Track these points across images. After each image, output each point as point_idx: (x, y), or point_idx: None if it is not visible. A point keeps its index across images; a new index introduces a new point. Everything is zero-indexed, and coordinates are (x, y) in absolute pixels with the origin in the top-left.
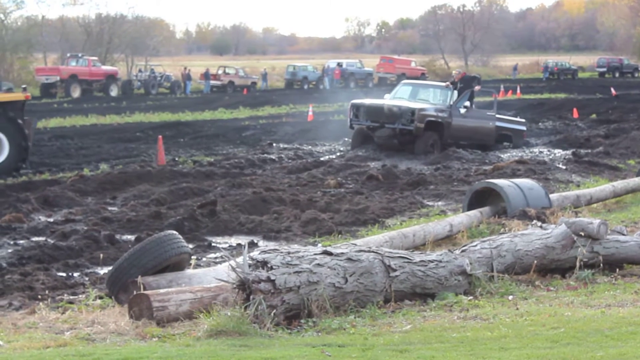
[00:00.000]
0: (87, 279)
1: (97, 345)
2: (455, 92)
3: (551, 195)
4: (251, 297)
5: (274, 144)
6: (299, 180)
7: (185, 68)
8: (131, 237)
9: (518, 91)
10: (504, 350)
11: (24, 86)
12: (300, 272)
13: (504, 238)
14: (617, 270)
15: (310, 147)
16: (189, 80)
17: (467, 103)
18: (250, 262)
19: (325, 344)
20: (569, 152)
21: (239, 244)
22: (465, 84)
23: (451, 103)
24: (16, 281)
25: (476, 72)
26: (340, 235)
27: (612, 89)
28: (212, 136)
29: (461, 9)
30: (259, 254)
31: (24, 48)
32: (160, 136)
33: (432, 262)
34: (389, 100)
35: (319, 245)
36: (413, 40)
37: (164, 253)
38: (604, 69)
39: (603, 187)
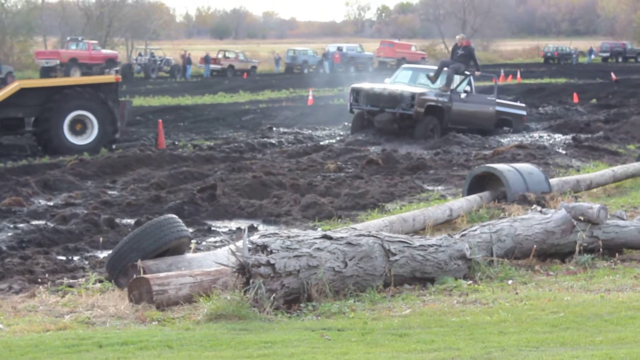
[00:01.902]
0: (87, 262)
1: (97, 328)
2: (456, 77)
3: (551, 180)
4: (251, 281)
5: (274, 128)
6: (299, 165)
7: (185, 52)
8: (131, 221)
9: (518, 76)
10: (503, 335)
11: (116, 68)
12: (300, 256)
13: (503, 222)
14: (617, 255)
15: (310, 131)
16: (189, 64)
17: (468, 88)
18: (250, 246)
19: (324, 328)
20: (569, 136)
21: (238, 228)
22: (466, 53)
23: (452, 87)
24: (16, 265)
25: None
26: (340, 220)
27: (612, 74)
28: (212, 120)
29: None
30: (259, 238)
31: (24, 31)
32: (160, 120)
33: (432, 246)
34: (389, 84)
35: (319, 229)
36: (413, 24)
37: (164, 237)
38: (607, 54)
39: (603, 172)
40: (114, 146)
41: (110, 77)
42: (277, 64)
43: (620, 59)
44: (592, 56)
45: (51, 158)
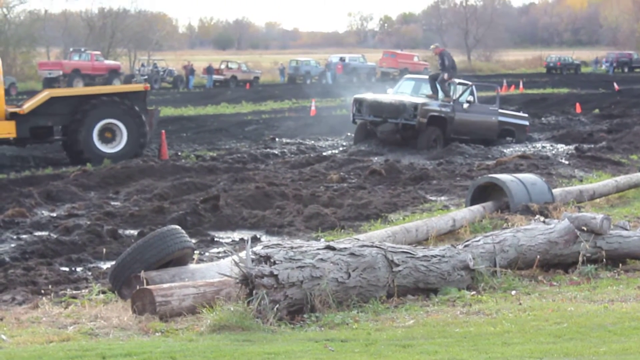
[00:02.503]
0: (90, 273)
1: (100, 340)
2: (459, 87)
3: (554, 190)
4: (254, 291)
5: (277, 139)
6: (302, 175)
7: (188, 62)
8: (134, 232)
9: (521, 86)
10: (507, 345)
11: (144, 77)
12: (303, 267)
13: (506, 233)
14: (620, 265)
15: (312, 141)
16: (191, 75)
17: (471, 98)
18: (253, 256)
19: (328, 339)
20: (571, 147)
21: (241, 239)
22: (441, 60)
23: (454, 98)
24: (19, 276)
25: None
26: (343, 230)
27: (615, 84)
28: (214, 131)
29: (464, 4)
30: (262, 248)
31: (27, 42)
32: (163, 131)
33: (435, 257)
34: (391, 94)
35: (322, 240)
36: (416, 34)
37: (167, 248)
38: (607, 64)
39: (606, 182)
40: (141, 154)
41: (139, 85)
42: (281, 74)
43: (626, 69)
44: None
45: (54, 169)
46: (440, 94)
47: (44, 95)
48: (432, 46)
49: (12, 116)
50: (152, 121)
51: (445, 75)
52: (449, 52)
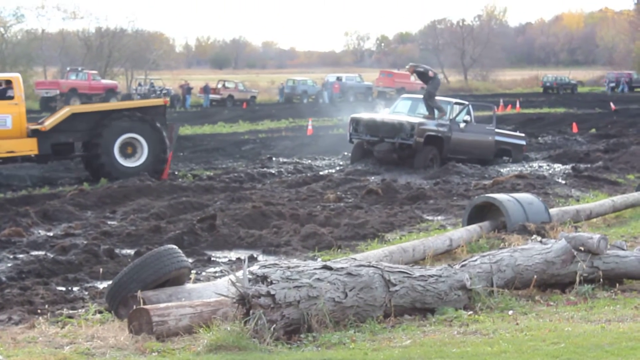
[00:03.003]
0: (86, 293)
1: (97, 359)
2: (456, 107)
3: (551, 210)
4: (251, 311)
5: (274, 158)
6: (299, 195)
7: (184, 82)
8: (131, 252)
9: (517, 105)
10: None
11: (164, 91)
12: (300, 286)
13: (503, 253)
14: (617, 285)
15: (309, 161)
16: (188, 94)
17: (467, 117)
18: (250, 276)
19: (325, 359)
20: (568, 166)
21: (238, 259)
22: (418, 75)
23: (451, 117)
24: (16, 295)
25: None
26: (339, 250)
27: (612, 104)
28: (211, 150)
29: (461, 24)
30: (259, 268)
31: (24, 62)
32: (170, 151)
33: (432, 276)
34: (388, 114)
35: (319, 259)
36: (413, 54)
37: (164, 267)
38: (613, 84)
39: (602, 201)
40: (162, 168)
41: (158, 100)
42: (280, 94)
43: (626, 89)
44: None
45: (51, 188)
46: (435, 112)
47: (65, 111)
48: (407, 66)
49: (33, 133)
50: (172, 135)
51: (430, 88)
52: (424, 66)
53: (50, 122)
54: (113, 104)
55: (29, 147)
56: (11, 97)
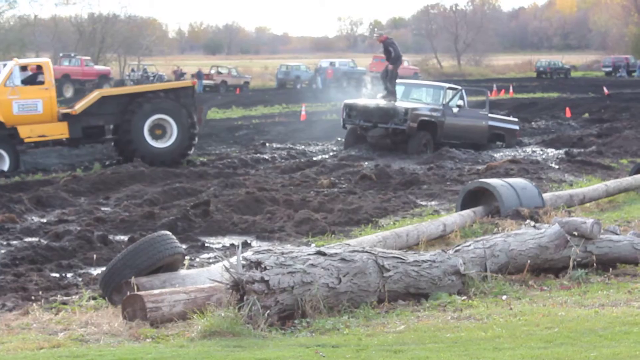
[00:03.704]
0: (80, 279)
1: (91, 346)
2: (449, 92)
3: (544, 195)
4: (245, 297)
5: (267, 144)
6: (292, 180)
7: (177, 67)
8: (124, 238)
9: (510, 90)
10: (497, 350)
11: (192, 73)
12: (294, 272)
13: (497, 238)
14: (611, 269)
15: (303, 146)
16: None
17: (460, 102)
18: (244, 262)
19: (319, 345)
20: (561, 151)
21: (232, 244)
22: (384, 48)
23: (444, 102)
24: (9, 282)
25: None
26: (333, 235)
27: (605, 88)
28: (205, 136)
29: (454, 8)
30: (253, 254)
31: (17, 48)
32: None
33: (426, 262)
34: (382, 99)
35: (313, 245)
36: (406, 39)
37: (158, 254)
38: (610, 69)
39: (596, 186)
40: (189, 151)
41: (187, 82)
42: (276, 79)
43: (621, 73)
44: None
45: (44, 175)
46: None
47: (95, 95)
48: (375, 34)
49: (64, 117)
50: (201, 117)
51: (390, 66)
52: (395, 42)
53: (80, 105)
54: (142, 87)
55: (60, 130)
56: (42, 82)
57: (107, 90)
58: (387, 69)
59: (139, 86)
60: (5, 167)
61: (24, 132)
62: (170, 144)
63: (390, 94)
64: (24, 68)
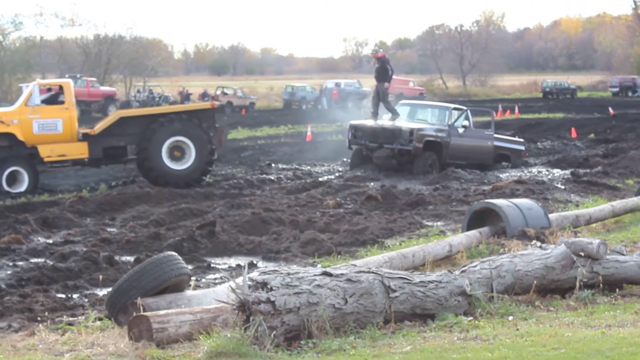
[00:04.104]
0: (86, 300)
1: None
2: (455, 113)
3: (550, 215)
4: (251, 318)
5: (273, 165)
6: (298, 201)
7: (183, 88)
8: (130, 258)
9: (516, 111)
10: None
11: (212, 95)
12: (300, 293)
13: (503, 258)
14: (617, 290)
15: (309, 167)
16: (187, 101)
17: (466, 122)
18: (250, 283)
19: None
20: (567, 171)
21: (238, 265)
22: (380, 65)
23: (449, 123)
24: (15, 303)
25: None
26: (339, 256)
27: (610, 109)
28: None
29: (459, 29)
30: (259, 275)
31: (23, 69)
32: None
33: (432, 282)
34: (387, 120)
35: (319, 266)
36: (411, 60)
37: (164, 274)
38: (617, 89)
39: (602, 206)
40: (207, 174)
41: (205, 104)
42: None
43: (630, 93)
44: None
45: (50, 195)
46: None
47: (114, 115)
48: (373, 48)
49: (84, 137)
50: (222, 138)
51: (386, 84)
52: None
53: (99, 126)
54: (161, 108)
55: (80, 150)
56: (62, 102)
57: (126, 112)
58: (378, 89)
59: (159, 107)
60: (24, 187)
61: (44, 151)
62: (187, 166)
63: (392, 112)
64: (47, 89)
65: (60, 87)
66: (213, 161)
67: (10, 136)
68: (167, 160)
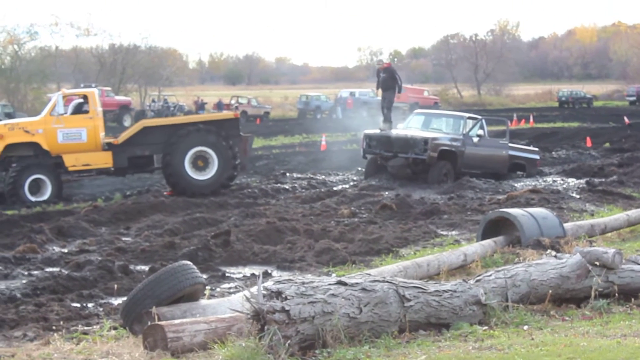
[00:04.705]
0: (101, 309)
1: None
2: (469, 122)
3: (565, 225)
4: (266, 327)
5: (288, 174)
6: (313, 210)
7: (198, 98)
8: (145, 268)
9: (531, 120)
10: None
11: (236, 105)
12: (315, 302)
13: (518, 268)
14: (633, 300)
15: (323, 176)
16: (202, 110)
17: (481, 132)
18: (265, 292)
19: None
20: (582, 181)
21: (253, 274)
22: (388, 74)
23: (464, 132)
24: (30, 312)
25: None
26: (354, 265)
27: (625, 118)
28: None
29: (474, 38)
30: (273, 284)
31: (38, 79)
32: None
33: (447, 292)
34: (402, 129)
35: (333, 275)
36: (426, 69)
37: (178, 283)
38: (634, 97)
39: (617, 216)
40: (230, 183)
41: (229, 114)
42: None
43: None
44: None
45: (65, 205)
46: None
47: (138, 125)
48: (378, 59)
49: (108, 147)
50: (247, 147)
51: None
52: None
53: (123, 135)
54: (185, 118)
55: (104, 160)
56: (86, 112)
57: (150, 121)
58: (385, 97)
59: (182, 117)
60: (46, 196)
61: (69, 161)
62: (210, 176)
63: (389, 120)
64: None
65: (85, 97)
66: (236, 171)
67: (35, 145)
68: (189, 170)
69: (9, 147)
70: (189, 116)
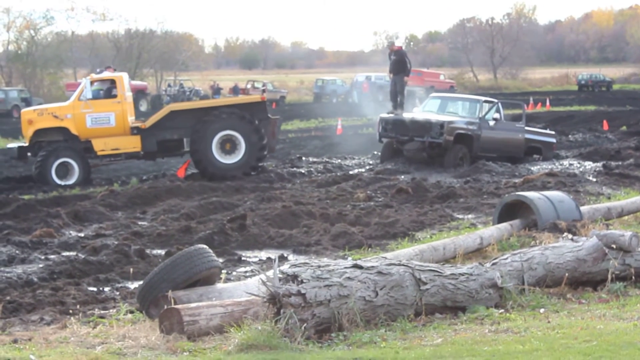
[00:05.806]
0: (117, 293)
1: (128, 359)
2: (485, 105)
3: (582, 208)
4: (282, 311)
5: (303, 158)
6: (329, 194)
7: (214, 82)
8: (161, 252)
9: (547, 103)
10: None
11: (263, 88)
12: (331, 285)
13: (534, 251)
14: None
15: (339, 160)
16: (217, 95)
17: (497, 115)
18: (281, 275)
19: (356, 358)
20: (599, 164)
21: (269, 258)
22: (398, 57)
23: (480, 116)
24: (47, 296)
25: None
26: (370, 249)
27: None
28: None
29: (490, 22)
30: (289, 267)
31: (54, 64)
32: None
33: (463, 275)
34: (418, 113)
35: (349, 258)
36: (442, 53)
37: (194, 267)
38: None
39: (634, 199)
40: (259, 165)
41: (256, 97)
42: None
43: None
44: None
45: (82, 189)
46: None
47: (165, 109)
48: (389, 40)
49: (137, 131)
50: (275, 130)
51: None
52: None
53: (150, 119)
54: (212, 101)
55: (133, 144)
56: (115, 96)
57: (177, 105)
58: (395, 81)
59: (209, 101)
60: (73, 180)
61: (98, 145)
62: (237, 159)
63: (401, 106)
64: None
65: (113, 81)
66: (264, 156)
67: (64, 130)
68: (217, 154)
69: (39, 132)
70: (216, 100)
